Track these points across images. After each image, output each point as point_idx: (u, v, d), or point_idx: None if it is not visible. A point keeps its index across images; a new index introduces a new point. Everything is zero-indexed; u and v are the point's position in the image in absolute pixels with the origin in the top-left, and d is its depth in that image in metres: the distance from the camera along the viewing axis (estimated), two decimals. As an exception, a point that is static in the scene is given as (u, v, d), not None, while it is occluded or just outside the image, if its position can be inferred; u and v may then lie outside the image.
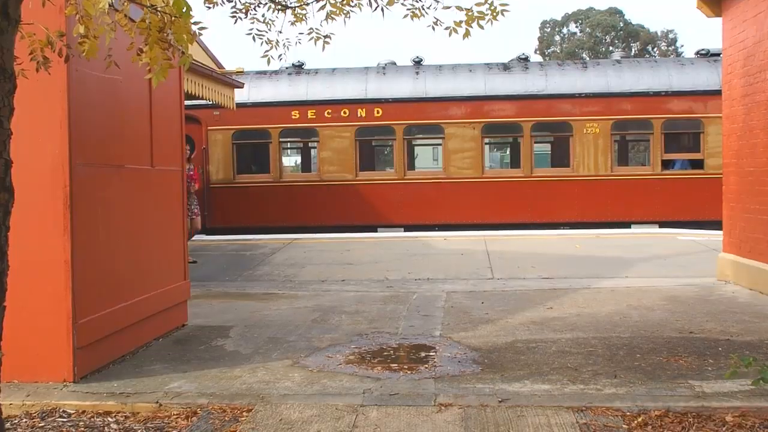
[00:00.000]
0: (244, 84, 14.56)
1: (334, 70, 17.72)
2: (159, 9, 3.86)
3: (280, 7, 4.94)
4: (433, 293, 9.19)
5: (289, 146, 20.26)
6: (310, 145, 18.31)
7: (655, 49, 55.45)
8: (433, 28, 4.87)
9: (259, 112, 16.93)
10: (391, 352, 6.27)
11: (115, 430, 4.58)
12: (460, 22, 4.67)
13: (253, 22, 5.00)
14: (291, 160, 24.02)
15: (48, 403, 4.99)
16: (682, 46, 56.93)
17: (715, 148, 15.51)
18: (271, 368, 5.73)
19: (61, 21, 4.79)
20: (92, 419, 4.78)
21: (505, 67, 17.66)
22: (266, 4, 4.95)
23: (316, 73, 17.73)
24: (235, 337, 6.87)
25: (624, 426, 4.38)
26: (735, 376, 4.21)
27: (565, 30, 58.43)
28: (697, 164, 16.79)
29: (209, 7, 4.81)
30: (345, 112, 16.74)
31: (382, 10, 4.98)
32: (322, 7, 4.96)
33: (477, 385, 5.17)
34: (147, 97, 6.58)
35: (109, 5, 3.75)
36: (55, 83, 5.01)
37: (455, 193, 16.90)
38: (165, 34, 3.90)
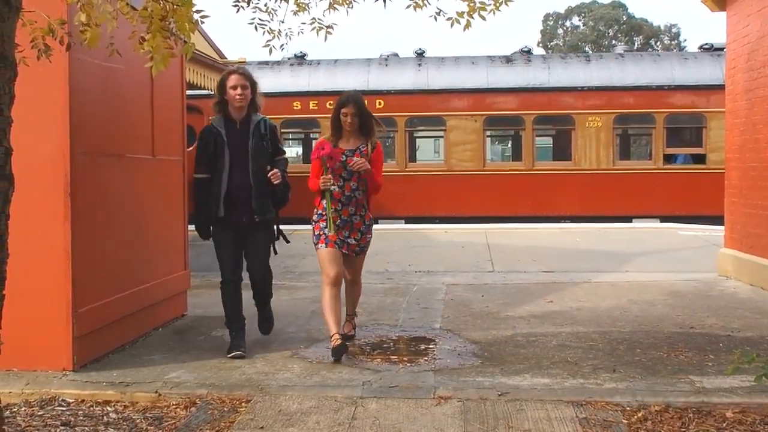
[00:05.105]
0: (245, 74, 14.46)
1: (336, 61, 17.68)
2: (161, -3, 3.84)
3: (282, -4, 4.91)
4: (433, 286, 9.17)
5: (290, 137, 20.22)
6: (311, 136, 18.27)
7: (658, 43, 55.31)
8: (435, 19, 4.84)
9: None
10: (391, 344, 6.27)
11: (114, 419, 4.57)
12: (463, 13, 4.64)
13: (255, 12, 4.98)
14: (292, 151, 23.96)
15: (47, 392, 4.99)
16: (685, 40, 56.94)
17: (718, 143, 15.46)
18: (270, 359, 5.72)
19: (62, 9, 4.75)
20: (91, 408, 4.77)
21: (508, 59, 17.61)
22: (269, -7, 4.92)
23: (318, 64, 17.68)
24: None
25: (624, 421, 4.37)
26: (737, 372, 4.20)
27: (568, 23, 58.28)
28: (700, 159, 16.75)
29: (212, -4, 4.77)
30: (347, 104, 16.68)
31: (384, 0, 4.95)
32: (325, -3, 4.93)
33: (476, 378, 5.15)
34: (148, 86, 6.55)
35: (111, -7, 3.72)
36: (56, 71, 4.97)
37: (456, 186, 16.87)
38: (167, 23, 3.87)
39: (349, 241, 5.93)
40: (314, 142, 5.94)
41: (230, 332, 5.96)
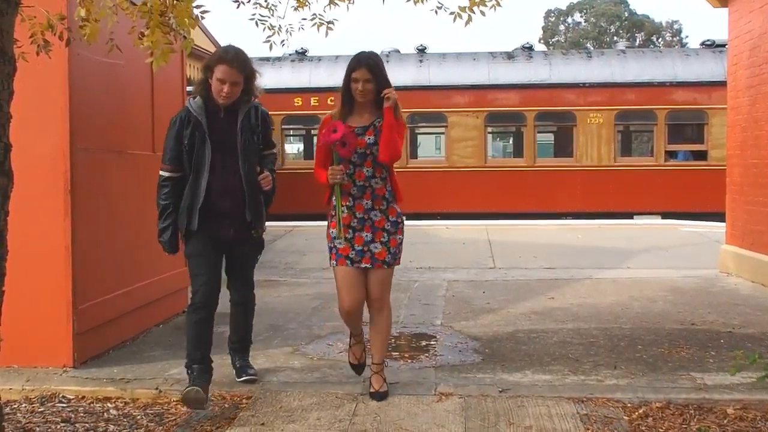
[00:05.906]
0: (246, 70, 14.46)
1: (337, 57, 17.64)
2: (161, -8, 3.83)
3: (283, -9, 4.89)
4: (434, 282, 9.17)
5: (291, 133, 20.22)
6: (312, 132, 18.26)
7: (660, 40, 55.24)
8: (436, 12, 4.83)
9: (261, 98, 16.86)
10: (392, 340, 6.24)
11: (115, 416, 4.57)
12: (464, 7, 4.62)
13: (255, 7, 4.97)
14: (293, 147, 23.98)
15: (47, 389, 4.98)
16: (687, 36, 56.82)
17: (719, 140, 15.44)
18: (271, 355, 5.72)
19: (62, 4, 4.74)
20: (92, 405, 4.77)
21: (509, 56, 17.59)
22: (269, -12, 4.91)
23: (320, 60, 17.66)
24: (235, 324, 6.85)
25: (625, 417, 4.37)
26: (739, 371, 4.19)
27: (569, 20, 58.21)
28: (701, 155, 16.73)
29: (211, -9, 4.75)
30: (348, 100, 16.67)
31: (385, -6, 4.94)
32: (325, -8, 4.92)
33: (477, 375, 5.15)
34: (149, 82, 6.54)
35: (111, -12, 3.71)
36: (55, 67, 4.96)
37: (457, 182, 16.85)
38: (167, 18, 3.87)
39: (372, 248, 4.77)
40: (317, 138, 4.85)
41: (189, 372, 4.65)
